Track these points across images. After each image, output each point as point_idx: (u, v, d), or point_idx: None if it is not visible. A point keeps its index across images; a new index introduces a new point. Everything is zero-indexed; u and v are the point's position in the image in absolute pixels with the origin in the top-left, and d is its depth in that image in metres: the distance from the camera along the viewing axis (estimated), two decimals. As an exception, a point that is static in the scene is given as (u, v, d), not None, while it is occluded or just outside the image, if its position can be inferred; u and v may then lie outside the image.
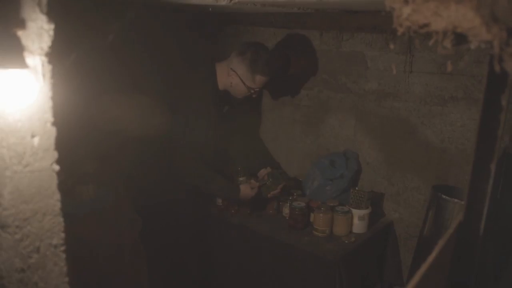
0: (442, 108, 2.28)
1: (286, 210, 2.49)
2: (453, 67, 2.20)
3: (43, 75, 0.78)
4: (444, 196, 2.05)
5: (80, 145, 1.41)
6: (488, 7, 0.66)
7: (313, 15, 2.38)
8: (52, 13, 0.76)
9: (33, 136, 0.80)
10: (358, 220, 2.34)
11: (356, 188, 2.39)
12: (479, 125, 0.93)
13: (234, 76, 2.27)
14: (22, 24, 0.70)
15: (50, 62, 0.79)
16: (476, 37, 0.74)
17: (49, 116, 0.82)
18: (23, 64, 0.71)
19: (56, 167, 0.85)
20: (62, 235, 0.89)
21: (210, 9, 2.11)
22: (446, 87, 2.25)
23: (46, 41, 0.76)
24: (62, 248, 0.89)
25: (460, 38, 0.79)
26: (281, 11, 2.36)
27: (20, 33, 0.71)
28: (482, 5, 0.67)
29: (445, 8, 0.73)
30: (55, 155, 0.84)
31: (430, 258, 0.82)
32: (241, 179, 2.51)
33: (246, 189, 2.40)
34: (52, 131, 0.83)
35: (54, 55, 0.79)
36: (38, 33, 0.74)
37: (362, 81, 2.57)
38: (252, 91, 2.32)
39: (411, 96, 2.38)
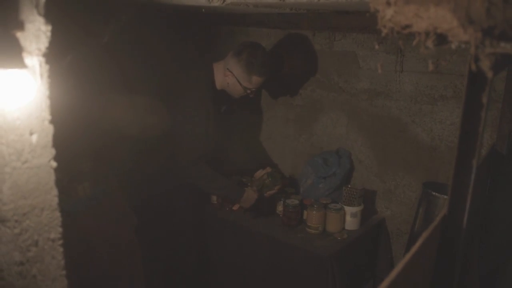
0: (432, 106, 2.33)
1: (280, 208, 2.53)
2: (442, 67, 2.24)
3: (41, 75, 0.81)
4: (434, 193, 2.10)
5: (76, 144, 1.44)
6: (464, 9, 0.70)
7: (305, 15, 2.41)
8: (49, 14, 0.79)
9: (31, 134, 0.83)
10: (351, 217, 2.38)
11: (349, 186, 2.43)
12: (461, 122, 0.96)
13: (230, 76, 2.30)
14: (20, 25, 0.73)
15: (47, 62, 0.82)
16: (455, 38, 0.77)
17: (46, 114, 0.85)
18: (21, 64, 0.74)
19: (54, 164, 0.88)
20: (60, 229, 0.92)
21: (204, 10, 2.14)
22: (436, 86, 2.30)
23: (43, 42, 0.79)
24: (60, 242, 0.92)
25: (442, 39, 0.83)
26: (274, 11, 2.39)
27: (18, 34, 0.74)
28: (458, 8, 0.70)
29: (425, 10, 0.77)
30: (52, 152, 0.87)
31: (414, 249, 0.86)
32: (234, 177, 2.54)
33: (250, 193, 2.40)
34: (50, 129, 0.86)
35: (51, 55, 0.82)
36: (36, 34, 0.78)
37: (354, 81, 2.61)
38: (249, 91, 2.35)
39: (402, 95, 2.42)
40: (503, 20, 0.68)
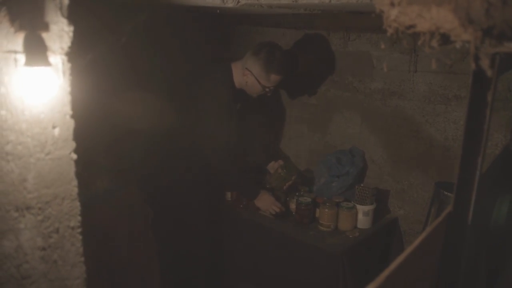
0: (446, 106, 2.32)
1: (292, 206, 2.56)
2: (456, 67, 2.23)
3: (63, 72, 0.87)
4: (446, 193, 2.10)
5: (95, 139, 1.50)
6: (464, 9, 0.72)
7: (320, 16, 2.43)
8: (72, 15, 0.85)
9: (54, 127, 0.89)
10: (363, 216, 2.39)
11: (361, 185, 2.44)
12: (466, 120, 0.99)
13: (249, 75, 2.35)
14: (46, 26, 0.79)
15: (69, 60, 0.88)
16: (457, 37, 0.80)
17: (68, 109, 0.90)
18: (46, 63, 0.80)
19: (74, 156, 0.94)
20: (79, 218, 0.97)
21: (218, 11, 2.18)
22: (449, 86, 2.30)
23: (66, 41, 0.85)
24: (79, 230, 0.98)
25: (446, 38, 0.86)
26: (288, 12, 2.42)
27: (44, 34, 0.80)
28: (459, 8, 0.73)
29: (427, 10, 0.79)
30: (73, 144, 0.93)
31: (416, 242, 0.88)
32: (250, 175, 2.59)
33: (265, 196, 2.46)
34: (71, 123, 0.92)
35: (73, 54, 0.88)
36: (59, 35, 0.83)
37: (368, 80, 2.62)
38: (267, 90, 2.39)
39: (416, 95, 2.43)
40: (502, 20, 0.70)
